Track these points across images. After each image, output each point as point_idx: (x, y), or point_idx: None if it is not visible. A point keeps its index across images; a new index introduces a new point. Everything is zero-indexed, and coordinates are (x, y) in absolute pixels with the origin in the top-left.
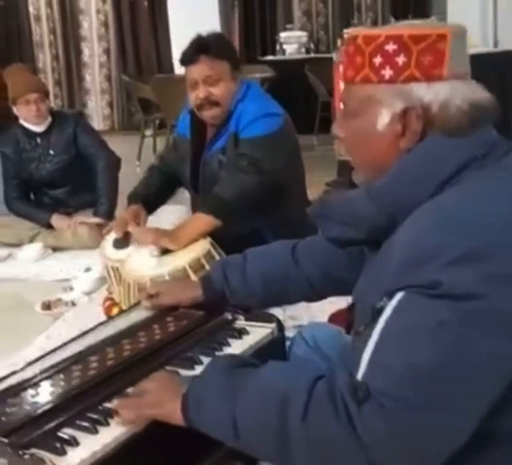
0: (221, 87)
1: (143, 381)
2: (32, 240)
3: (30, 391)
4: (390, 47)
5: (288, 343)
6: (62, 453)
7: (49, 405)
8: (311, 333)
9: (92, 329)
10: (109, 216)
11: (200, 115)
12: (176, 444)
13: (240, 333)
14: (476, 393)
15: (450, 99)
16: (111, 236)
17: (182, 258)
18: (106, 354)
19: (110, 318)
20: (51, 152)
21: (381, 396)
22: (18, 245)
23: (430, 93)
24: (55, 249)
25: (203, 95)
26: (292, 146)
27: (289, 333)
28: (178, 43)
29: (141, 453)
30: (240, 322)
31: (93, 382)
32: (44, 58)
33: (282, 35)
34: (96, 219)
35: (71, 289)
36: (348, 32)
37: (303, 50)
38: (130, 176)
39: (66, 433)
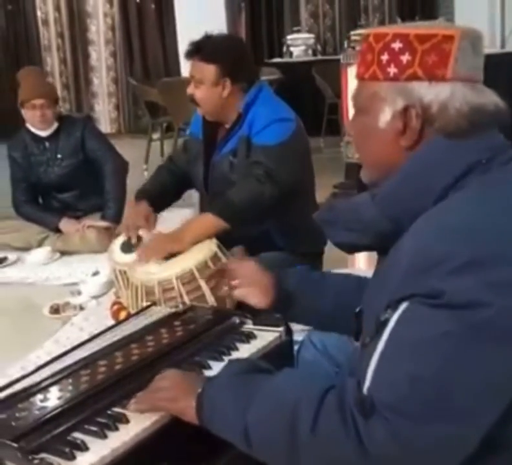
0: (201, 90)
1: (157, 377)
2: (40, 244)
3: (39, 396)
4: (397, 45)
5: (296, 347)
6: (71, 457)
7: (58, 410)
8: (319, 337)
9: (100, 334)
10: (117, 219)
11: None
12: (185, 449)
13: (248, 337)
14: (481, 405)
15: (450, 100)
16: (119, 240)
17: (189, 261)
18: (114, 359)
19: (118, 322)
20: (59, 155)
21: (386, 409)
22: (26, 248)
23: (431, 93)
24: (63, 253)
25: (190, 92)
26: (304, 151)
27: (297, 337)
28: (185, 47)
29: (150, 457)
30: (248, 326)
31: (101, 387)
32: (52, 62)
33: (289, 37)
34: (104, 223)
35: (79, 292)
36: (356, 33)
37: (310, 52)
38: (138, 180)
39: (75, 437)
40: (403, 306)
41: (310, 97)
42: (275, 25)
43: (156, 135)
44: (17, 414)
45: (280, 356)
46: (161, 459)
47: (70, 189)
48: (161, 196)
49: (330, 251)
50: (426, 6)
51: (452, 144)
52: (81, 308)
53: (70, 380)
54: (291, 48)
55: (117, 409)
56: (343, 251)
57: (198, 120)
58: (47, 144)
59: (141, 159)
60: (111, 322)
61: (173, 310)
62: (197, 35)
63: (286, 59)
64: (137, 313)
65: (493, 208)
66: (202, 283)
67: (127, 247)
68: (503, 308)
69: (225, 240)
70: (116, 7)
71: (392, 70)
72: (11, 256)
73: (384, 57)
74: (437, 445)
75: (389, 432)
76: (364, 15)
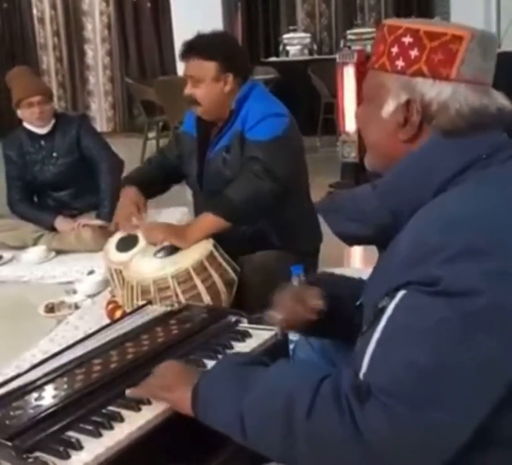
0: (201, 89)
1: (158, 366)
2: (35, 243)
3: (34, 394)
4: (407, 39)
5: (291, 346)
6: (66, 456)
7: (53, 409)
8: None
9: (95, 332)
10: (112, 218)
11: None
12: (180, 448)
13: (244, 336)
14: (477, 390)
15: (451, 100)
16: (114, 239)
17: (185, 260)
18: (109, 357)
19: (113, 321)
20: (54, 154)
21: (382, 394)
22: (22, 247)
23: (433, 91)
24: (58, 252)
25: (187, 92)
26: (297, 147)
27: (292, 336)
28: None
29: (144, 456)
30: (244, 325)
31: (96, 385)
32: (48, 60)
33: (285, 36)
34: (99, 222)
35: (74, 291)
36: (352, 32)
37: (306, 51)
38: None
39: (69, 436)
40: (400, 294)
41: (306, 96)
42: (271, 24)
43: (152, 134)
44: (11, 413)
45: (276, 354)
46: (156, 458)
47: (65, 188)
48: (149, 182)
49: (326, 250)
50: (422, 6)
51: (449, 142)
52: (76, 307)
53: (65, 379)
54: (288, 47)
55: (112, 408)
56: (344, 242)
57: (190, 118)
58: (42, 142)
59: (137, 158)
60: (106, 321)
61: (168, 309)
62: (193, 34)
63: (282, 58)
64: (132, 312)
65: (490, 201)
66: (198, 282)
67: (122, 246)
68: (496, 296)
69: (221, 239)
70: (112, 5)
71: (400, 63)
72: (7, 254)
73: (395, 50)
74: (432, 431)
75: (385, 416)
76: (360, 15)
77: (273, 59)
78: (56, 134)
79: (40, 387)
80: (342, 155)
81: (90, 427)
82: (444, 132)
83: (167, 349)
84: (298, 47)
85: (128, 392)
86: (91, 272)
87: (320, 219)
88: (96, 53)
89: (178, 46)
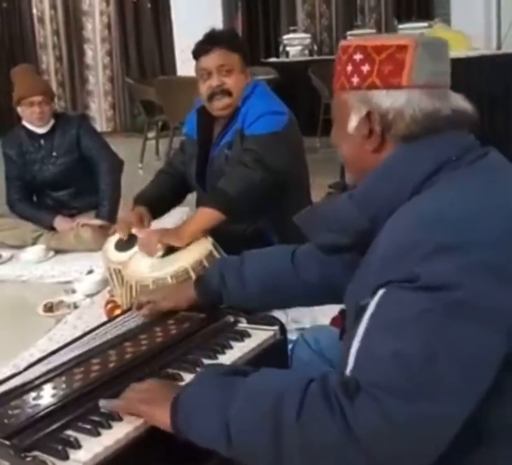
0: (233, 77)
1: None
2: (34, 242)
3: (32, 394)
4: (358, 56)
5: (290, 346)
6: (64, 455)
7: (51, 408)
8: (313, 336)
9: (92, 330)
10: (111, 218)
11: (210, 108)
12: (179, 447)
13: (242, 336)
14: (465, 379)
15: (405, 107)
16: (113, 238)
17: (184, 259)
18: (108, 357)
19: (111, 319)
20: (54, 153)
21: (372, 387)
22: (21, 246)
23: (388, 101)
24: (57, 251)
25: (216, 83)
26: (296, 145)
27: (291, 336)
28: (181, 45)
29: (143, 455)
30: (242, 325)
31: (95, 385)
32: (48, 60)
33: (286, 37)
34: (98, 221)
35: (73, 291)
36: (352, 33)
37: (306, 52)
38: (133, 178)
39: (68, 435)
40: (381, 291)
41: (306, 97)
42: (271, 25)
43: (151, 134)
44: (9, 412)
45: (275, 354)
46: (155, 457)
47: (64, 187)
48: (159, 200)
49: None
50: (422, 7)
51: (411, 148)
52: (75, 306)
53: (63, 378)
54: (288, 48)
55: None
56: (324, 253)
57: (191, 121)
58: (42, 142)
59: (137, 158)
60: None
61: None
62: (193, 34)
63: (282, 59)
64: (129, 309)
65: (461, 199)
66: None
67: (121, 246)
68: (475, 289)
69: (221, 238)
70: (112, 5)
71: (355, 79)
72: (6, 253)
73: (349, 68)
74: (423, 422)
75: (375, 410)
76: (360, 16)
77: (273, 59)
78: (56, 133)
79: (38, 386)
80: (341, 155)
81: (88, 427)
82: (402, 138)
83: (165, 349)
84: (298, 48)
85: (102, 403)
86: (90, 272)
87: None
88: (96, 53)
89: (178, 46)
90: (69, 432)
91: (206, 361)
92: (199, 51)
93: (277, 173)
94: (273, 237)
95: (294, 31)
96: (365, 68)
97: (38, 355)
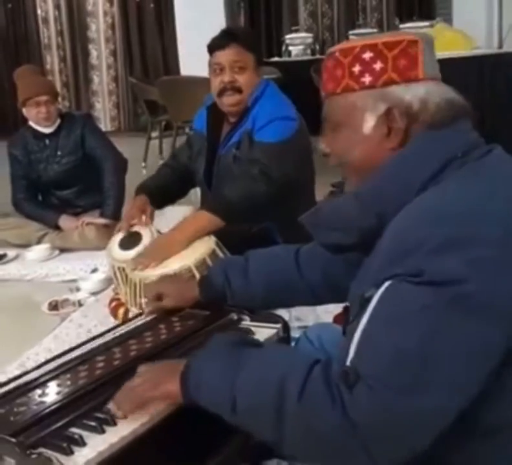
0: (245, 75)
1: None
2: (39, 241)
3: (38, 391)
4: (367, 55)
5: (293, 343)
6: (69, 452)
7: (56, 405)
8: (316, 334)
9: (104, 333)
10: (115, 217)
11: (220, 103)
12: (182, 444)
13: (246, 333)
14: (461, 375)
15: (428, 96)
16: (118, 237)
17: (188, 258)
18: (113, 354)
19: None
20: (59, 153)
21: (369, 378)
22: (26, 245)
23: (409, 93)
24: (62, 250)
25: (228, 79)
26: (305, 150)
27: (294, 334)
28: (184, 45)
29: (147, 452)
30: (246, 323)
31: (100, 382)
32: (52, 60)
33: (288, 36)
34: (103, 220)
35: (78, 289)
36: (355, 33)
37: (309, 51)
38: (136, 178)
39: (73, 432)
40: (386, 284)
41: (309, 96)
42: (273, 24)
43: (155, 134)
44: (15, 409)
45: None
46: (159, 454)
47: (69, 186)
48: (161, 191)
49: None
50: (424, 6)
51: (433, 137)
52: (80, 304)
53: (68, 375)
54: (290, 48)
55: None
56: (330, 253)
57: (201, 117)
58: (47, 141)
59: (140, 157)
60: (109, 319)
61: None
62: (196, 34)
63: (284, 59)
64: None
65: (468, 195)
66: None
67: (125, 244)
68: (480, 284)
69: (224, 237)
70: (115, 6)
71: (367, 79)
72: (11, 252)
73: (357, 69)
74: (418, 412)
75: (372, 400)
76: (362, 15)
77: (275, 59)
78: (61, 133)
79: (44, 384)
80: (343, 163)
81: (93, 424)
82: (431, 126)
83: (170, 346)
84: (300, 47)
85: (116, 412)
86: (94, 270)
87: None
88: (100, 53)
89: (181, 46)
90: (74, 429)
91: None
92: (215, 45)
93: (281, 186)
94: (277, 237)
95: (296, 31)
96: (377, 65)
97: (43, 353)
